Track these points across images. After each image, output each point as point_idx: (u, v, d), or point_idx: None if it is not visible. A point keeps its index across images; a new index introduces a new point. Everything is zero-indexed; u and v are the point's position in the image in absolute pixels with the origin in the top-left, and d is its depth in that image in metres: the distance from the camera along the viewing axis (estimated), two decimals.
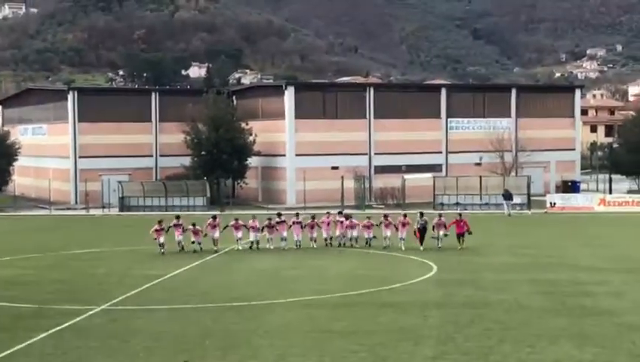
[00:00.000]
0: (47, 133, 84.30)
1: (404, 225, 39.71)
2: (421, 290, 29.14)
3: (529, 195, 68.33)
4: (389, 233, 40.60)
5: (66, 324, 23.87)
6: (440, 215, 41.82)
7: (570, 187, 74.35)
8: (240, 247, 41.05)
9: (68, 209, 73.09)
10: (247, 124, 73.17)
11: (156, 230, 40.00)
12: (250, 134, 72.78)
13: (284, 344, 20.86)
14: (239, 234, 41.39)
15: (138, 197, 71.59)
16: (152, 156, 79.48)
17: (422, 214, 41.28)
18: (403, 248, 38.84)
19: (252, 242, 41.35)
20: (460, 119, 79.02)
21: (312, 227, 41.89)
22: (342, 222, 42.35)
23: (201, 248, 40.16)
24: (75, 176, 76.92)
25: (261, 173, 77.44)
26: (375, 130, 75.89)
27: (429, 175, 72.30)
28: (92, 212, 69.22)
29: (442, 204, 67.79)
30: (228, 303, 26.88)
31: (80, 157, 76.65)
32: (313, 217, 42.71)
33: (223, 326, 23.34)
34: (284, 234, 41.33)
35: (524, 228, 54.58)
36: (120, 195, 70.76)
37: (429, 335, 21.69)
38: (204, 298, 27.98)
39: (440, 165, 78.01)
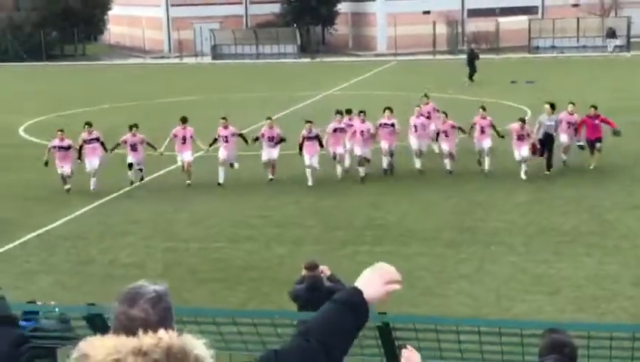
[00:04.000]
0: None
1: (521, 137, 23.55)
2: None
3: (629, 36, 66.90)
4: (487, 144, 24.22)
5: (163, 170, 25.33)
6: (571, 105, 24.83)
7: None
8: (221, 180, 23.98)
9: (162, 57, 74.56)
10: None
11: (55, 147, 23.77)
12: None
13: None
14: (224, 155, 24.18)
15: (229, 45, 72.51)
16: (241, 4, 79.06)
17: (552, 106, 24.73)
18: (524, 176, 23.39)
19: (267, 160, 24.46)
20: None
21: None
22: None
23: (141, 177, 24.63)
24: (167, 25, 77.25)
25: (351, 19, 76.85)
26: None
27: (524, 17, 71.28)
28: (185, 60, 70.60)
29: (538, 48, 67.04)
30: None
31: (172, 5, 76.69)
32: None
33: None
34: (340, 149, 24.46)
35: (623, 70, 53.24)
36: (212, 43, 71.71)
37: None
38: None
39: (536, 7, 75.85)
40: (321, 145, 23.68)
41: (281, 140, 24.06)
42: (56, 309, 8.56)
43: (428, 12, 71.73)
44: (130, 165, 23.54)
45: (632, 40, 67.04)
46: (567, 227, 17.92)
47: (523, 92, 42.48)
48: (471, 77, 48.61)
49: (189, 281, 15.90)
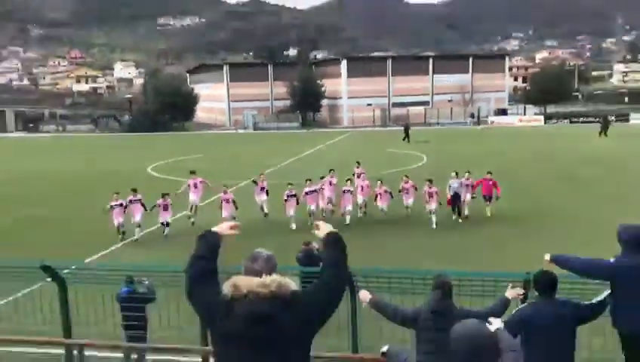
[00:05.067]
0: (213, 88, 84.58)
1: (431, 195, 18.87)
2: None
3: (479, 117, 69.46)
4: (410, 201, 19.63)
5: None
6: (468, 172, 20.25)
7: None
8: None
9: (226, 129, 75.15)
10: (321, 81, 74.64)
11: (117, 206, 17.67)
12: (322, 86, 74.19)
13: None
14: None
15: (263, 122, 74.24)
16: (269, 100, 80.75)
17: (457, 174, 19.92)
18: (435, 225, 18.47)
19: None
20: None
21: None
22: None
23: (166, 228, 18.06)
24: (229, 111, 79.59)
25: (328, 107, 77.78)
26: (392, 83, 76.47)
27: (422, 108, 74.12)
28: (239, 131, 71.54)
29: (430, 124, 68.95)
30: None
31: (231, 100, 79.32)
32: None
33: None
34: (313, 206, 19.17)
35: (477, 137, 51.96)
36: (253, 121, 74.01)
37: None
38: (323, 173, 21.21)
39: (428, 101, 77.10)
40: (297, 201, 19.08)
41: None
42: (146, 281, 8.14)
43: (370, 104, 75.23)
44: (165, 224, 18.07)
45: (481, 119, 70.50)
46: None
47: (422, 146, 42.48)
48: (406, 138, 47.82)
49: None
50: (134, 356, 7.56)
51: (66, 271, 7.54)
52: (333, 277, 3.16)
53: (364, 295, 5.67)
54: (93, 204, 20.94)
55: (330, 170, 20.80)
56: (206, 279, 3.18)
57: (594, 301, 5.00)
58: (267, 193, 19.57)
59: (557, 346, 4.73)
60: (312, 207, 18.91)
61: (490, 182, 19.57)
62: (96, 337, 7.54)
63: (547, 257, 5.13)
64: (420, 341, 5.53)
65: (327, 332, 3.15)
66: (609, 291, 4.94)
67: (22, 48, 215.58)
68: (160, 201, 17.98)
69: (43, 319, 8.16)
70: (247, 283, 2.96)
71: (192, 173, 19.87)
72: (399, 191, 19.65)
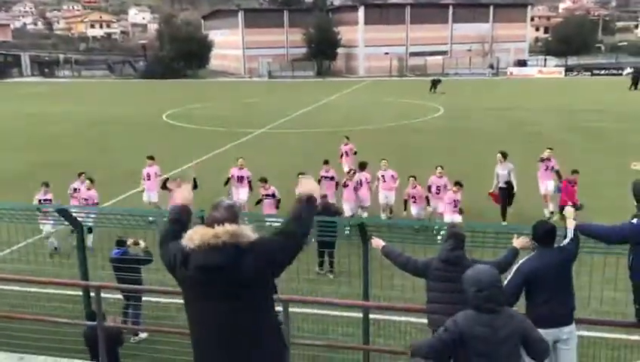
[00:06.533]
0: (228, 35, 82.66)
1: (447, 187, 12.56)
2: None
3: (498, 68, 68.10)
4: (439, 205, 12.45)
5: (243, 139, 24.19)
6: (548, 150, 13.82)
7: None
8: None
9: (241, 77, 74.49)
10: (337, 29, 72.70)
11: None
12: (339, 34, 72.64)
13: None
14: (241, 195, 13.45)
15: (278, 70, 73.42)
16: (284, 47, 78.89)
17: (504, 155, 13.03)
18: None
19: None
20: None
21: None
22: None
23: None
24: (243, 59, 78.01)
25: (345, 56, 76.53)
26: (410, 32, 75.36)
27: (440, 57, 73.48)
28: (254, 79, 71.01)
29: (447, 74, 66.33)
30: (352, 127, 22.95)
31: (246, 48, 77.57)
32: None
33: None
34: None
35: (496, 87, 51.30)
36: (268, 70, 73.32)
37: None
38: (338, 123, 24.78)
39: (447, 51, 76.76)
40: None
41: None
42: (142, 243, 7.74)
43: (387, 53, 73.90)
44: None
45: (499, 70, 70.00)
46: None
47: (441, 98, 42.05)
48: (433, 89, 47.03)
49: None
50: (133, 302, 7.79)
51: (82, 215, 7.48)
52: (292, 231, 3.13)
53: (377, 241, 5.72)
54: (109, 149, 21.13)
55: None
56: (175, 237, 3.26)
57: (567, 238, 5.08)
58: (250, 186, 13.74)
59: (563, 291, 4.97)
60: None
61: (574, 187, 12.86)
62: (112, 280, 7.66)
63: (570, 217, 5.16)
64: (430, 289, 5.62)
65: (339, 280, 3.27)
66: (572, 228, 5.03)
67: None
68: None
69: (60, 261, 8.42)
70: (200, 234, 3.00)
71: (150, 158, 14.28)
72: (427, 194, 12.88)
